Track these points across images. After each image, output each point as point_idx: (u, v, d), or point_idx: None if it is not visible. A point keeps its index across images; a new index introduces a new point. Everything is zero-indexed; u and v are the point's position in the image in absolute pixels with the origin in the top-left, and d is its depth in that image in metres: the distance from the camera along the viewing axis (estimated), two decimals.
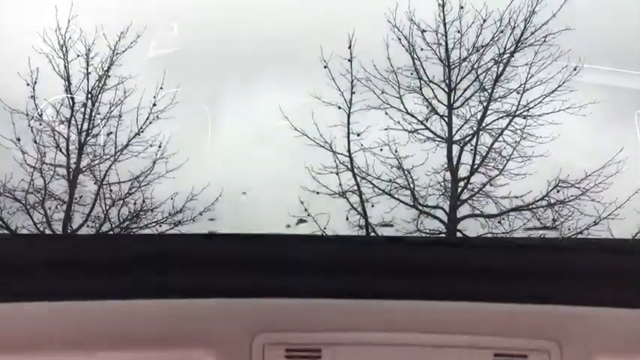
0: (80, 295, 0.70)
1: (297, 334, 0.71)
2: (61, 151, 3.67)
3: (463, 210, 3.75)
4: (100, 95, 3.75)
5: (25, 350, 0.72)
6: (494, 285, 0.72)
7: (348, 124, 3.75)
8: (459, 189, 3.73)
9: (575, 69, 3.59)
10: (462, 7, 3.73)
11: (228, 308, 0.71)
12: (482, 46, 3.75)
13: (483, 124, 3.76)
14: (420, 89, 3.81)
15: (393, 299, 0.71)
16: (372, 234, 3.34)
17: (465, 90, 3.79)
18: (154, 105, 3.71)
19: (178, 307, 0.71)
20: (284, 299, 0.71)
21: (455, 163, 3.74)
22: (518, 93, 3.75)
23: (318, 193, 3.64)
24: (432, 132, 3.76)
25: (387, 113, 3.76)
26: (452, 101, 3.79)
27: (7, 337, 0.70)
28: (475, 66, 3.77)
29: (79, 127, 3.71)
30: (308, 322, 0.70)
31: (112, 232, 3.33)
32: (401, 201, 3.69)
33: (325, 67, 3.70)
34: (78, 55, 3.68)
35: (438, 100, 3.81)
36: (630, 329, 0.73)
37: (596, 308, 0.71)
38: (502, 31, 3.75)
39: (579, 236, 3.38)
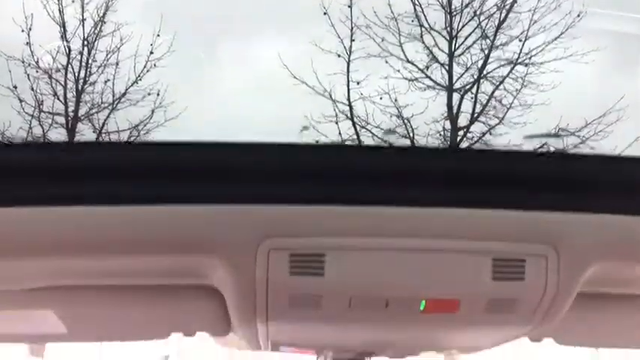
0: (81, 200, 0.70)
1: (302, 239, 0.72)
2: (58, 99, 3.64)
3: None
4: (96, 42, 3.69)
5: (27, 255, 0.73)
6: (493, 192, 0.73)
7: (348, 72, 3.71)
8: (459, 138, 3.72)
9: (578, 15, 3.54)
10: None
11: (233, 215, 0.72)
12: None
13: (484, 72, 3.72)
14: (421, 37, 3.76)
15: (394, 206, 0.72)
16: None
17: (467, 37, 3.74)
18: (151, 53, 3.66)
19: (182, 213, 0.71)
20: (288, 206, 0.72)
21: (455, 111, 3.72)
22: (520, 40, 3.71)
23: (317, 141, 3.63)
24: (433, 80, 3.73)
25: (387, 61, 3.72)
26: (453, 49, 3.75)
27: (9, 242, 0.71)
28: (477, 12, 3.71)
29: (76, 74, 3.67)
30: (312, 228, 0.71)
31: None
32: None
33: (325, 13, 3.63)
34: (72, 0, 3.61)
35: (439, 48, 3.76)
36: (627, 235, 0.74)
37: (593, 215, 0.72)
38: None
39: None
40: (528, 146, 3.59)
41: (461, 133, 3.73)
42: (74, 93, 3.65)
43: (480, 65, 3.73)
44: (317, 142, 3.11)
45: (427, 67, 3.75)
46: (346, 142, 3.39)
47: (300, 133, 3.34)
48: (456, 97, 3.73)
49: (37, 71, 3.55)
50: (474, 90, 3.71)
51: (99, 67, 3.67)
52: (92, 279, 0.84)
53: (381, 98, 3.74)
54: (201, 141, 0.70)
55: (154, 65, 3.67)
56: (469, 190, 0.72)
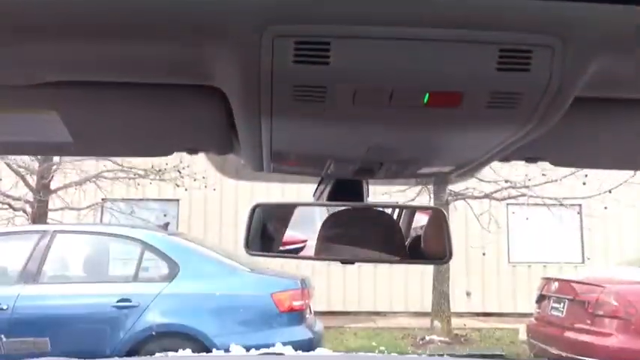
0: None
1: (307, 25, 0.69)
2: None
3: None
4: None
5: (21, 42, 0.71)
6: None
7: None
8: None
9: None
10: None
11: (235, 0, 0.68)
12: None
13: None
14: None
15: None
16: None
17: None
18: None
19: None
20: None
21: None
22: None
23: None
24: None
25: None
26: None
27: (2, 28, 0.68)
28: None
29: None
30: (318, 14, 0.69)
31: None
32: None
33: None
34: None
35: None
36: (633, 25, 0.72)
37: (603, 5, 0.69)
38: None
39: None
40: None
41: None
42: None
43: None
44: None
45: None
46: None
47: None
48: None
49: None
50: None
51: None
52: (91, 72, 0.83)
53: None
54: None
55: None
56: None
